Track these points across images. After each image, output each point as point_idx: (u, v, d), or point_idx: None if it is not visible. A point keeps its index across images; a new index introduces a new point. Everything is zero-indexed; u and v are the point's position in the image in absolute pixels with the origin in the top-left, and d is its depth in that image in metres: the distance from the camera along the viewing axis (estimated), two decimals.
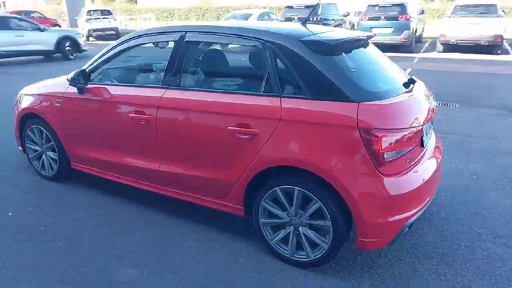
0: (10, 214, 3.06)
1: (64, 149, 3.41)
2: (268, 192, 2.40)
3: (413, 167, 2.32)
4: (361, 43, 2.69)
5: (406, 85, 2.54)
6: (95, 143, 3.21)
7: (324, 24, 13.67)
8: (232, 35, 2.61)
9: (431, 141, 2.73)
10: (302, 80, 2.31)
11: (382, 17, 12.87)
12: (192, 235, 2.77)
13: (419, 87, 2.75)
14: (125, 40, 3.06)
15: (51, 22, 25.14)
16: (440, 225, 2.87)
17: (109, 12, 20.83)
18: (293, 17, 14.08)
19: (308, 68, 2.31)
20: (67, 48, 12.74)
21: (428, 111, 2.50)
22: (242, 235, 2.73)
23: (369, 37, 2.85)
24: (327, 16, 14.00)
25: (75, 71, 3.08)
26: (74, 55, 12.97)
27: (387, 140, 2.10)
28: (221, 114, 2.49)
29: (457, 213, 3.02)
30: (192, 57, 2.75)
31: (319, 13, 13.84)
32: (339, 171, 2.16)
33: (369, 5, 13.37)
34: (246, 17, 15.26)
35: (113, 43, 3.17)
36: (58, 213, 3.08)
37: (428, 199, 2.41)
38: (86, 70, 3.12)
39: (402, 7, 12.69)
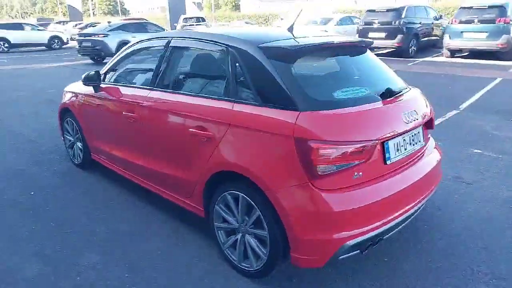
0: (32, 193, 3.55)
1: (86, 140, 3.85)
2: (220, 196, 2.40)
3: (365, 184, 2.10)
4: (340, 49, 2.53)
5: (386, 94, 2.33)
6: (103, 136, 3.58)
7: (408, 29, 12.76)
8: (205, 41, 2.67)
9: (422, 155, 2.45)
10: (255, 86, 2.27)
11: (476, 21, 11.52)
12: (172, 234, 2.89)
13: (409, 97, 2.49)
14: (130, 46, 3.35)
15: None
16: None
17: (203, 19, 22.37)
18: (373, 21, 13.43)
19: (261, 74, 2.26)
20: None
21: (407, 123, 2.25)
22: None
23: (362, 43, 2.66)
24: (411, 19, 12.98)
25: (89, 71, 3.46)
26: None
27: (323, 152, 1.94)
28: (185, 116, 2.58)
29: None
30: (171, 61, 2.88)
31: (402, 17, 12.93)
32: (272, 180, 2.07)
33: (461, 8, 12.10)
34: (325, 22, 15.00)
35: (124, 47, 3.48)
36: (68, 197, 3.46)
37: (391, 217, 2.15)
38: (101, 71, 3.49)
39: (501, 10, 11.20)
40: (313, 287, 2.29)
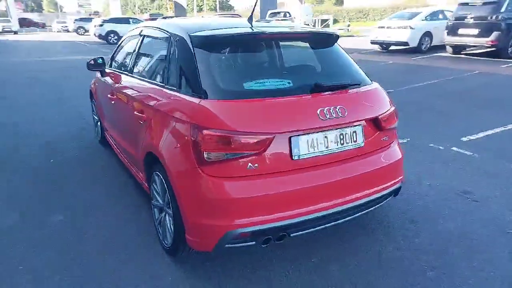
0: (52, 161, 4.15)
1: (100, 120, 4.34)
2: (151, 175, 2.57)
3: (262, 176, 2.04)
4: (280, 40, 2.48)
5: (314, 89, 2.23)
6: (105, 116, 4.03)
7: (508, 25, 11.12)
8: (158, 29, 2.86)
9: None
10: (180, 72, 2.36)
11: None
12: (131, 203, 3.17)
13: (348, 93, 2.34)
14: (126, 35, 3.72)
15: None
16: None
17: (289, 14, 22.48)
18: (466, 15, 11.99)
19: (186, 61, 2.33)
20: None
21: (323, 120, 2.13)
22: None
23: (312, 35, 2.56)
24: None
25: (96, 58, 3.88)
26: None
27: (211, 140, 1.96)
28: (133, 99, 2.83)
29: None
30: (138, 48, 3.13)
31: (501, 10, 11.31)
32: (172, 164, 2.16)
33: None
34: (412, 16, 13.86)
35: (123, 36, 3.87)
36: (75, 167, 3.97)
37: (294, 213, 2.07)
38: (105, 57, 3.93)
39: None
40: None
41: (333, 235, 2.73)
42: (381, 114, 2.41)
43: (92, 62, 3.79)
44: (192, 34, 2.37)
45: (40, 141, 4.77)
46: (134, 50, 3.17)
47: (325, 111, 2.15)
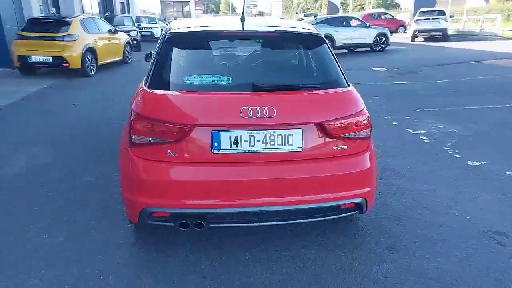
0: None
1: None
2: None
3: (180, 164, 2.25)
4: (246, 38, 2.57)
5: (255, 87, 2.32)
6: None
7: None
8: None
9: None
10: (150, 65, 2.68)
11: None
12: None
13: (292, 95, 2.34)
14: None
15: (398, 23, 27.14)
16: None
17: (443, 13, 20.10)
18: None
19: (154, 55, 2.64)
20: (381, 42, 15.92)
21: (244, 118, 2.20)
22: None
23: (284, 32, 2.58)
24: None
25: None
26: (383, 47, 16.03)
27: (137, 125, 2.28)
28: None
29: None
30: None
31: None
32: (120, 142, 2.56)
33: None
34: None
35: None
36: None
37: (210, 204, 2.24)
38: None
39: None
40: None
41: None
42: (330, 121, 2.28)
43: (147, 54, 4.49)
44: (170, 31, 2.67)
45: None
46: None
47: (249, 110, 2.19)
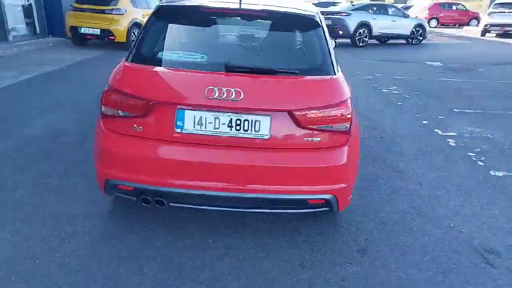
0: None
1: None
2: None
3: (143, 139, 2.25)
4: (232, 15, 2.51)
5: (228, 67, 2.26)
6: None
7: None
8: None
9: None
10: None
11: None
12: None
13: (261, 79, 2.27)
14: None
15: (470, 15, 25.03)
16: None
17: None
18: None
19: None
20: (417, 34, 14.65)
21: (209, 99, 2.14)
22: None
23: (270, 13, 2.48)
24: None
25: None
26: (420, 39, 14.87)
27: (107, 96, 2.32)
28: None
29: None
30: None
31: None
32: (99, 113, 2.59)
33: None
34: None
35: None
36: None
37: (170, 182, 2.23)
38: None
39: None
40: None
41: None
42: (300, 110, 2.15)
43: None
44: (160, 4, 2.65)
45: None
46: None
47: (215, 90, 2.13)
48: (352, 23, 13.23)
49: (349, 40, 13.82)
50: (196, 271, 2.23)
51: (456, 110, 5.94)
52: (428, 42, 15.57)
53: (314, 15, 2.52)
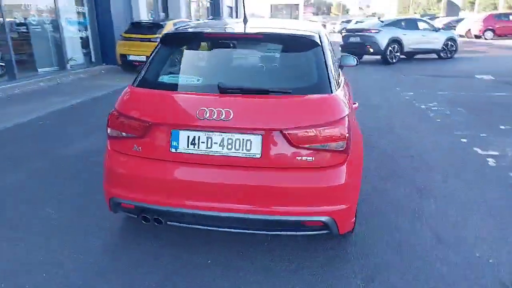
0: None
1: None
2: None
3: (143, 159, 2.33)
4: (231, 40, 2.56)
5: (220, 89, 2.30)
6: None
7: None
8: None
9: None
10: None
11: None
12: None
13: (253, 99, 2.28)
14: None
15: None
16: None
17: None
18: None
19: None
20: (449, 48, 14.01)
21: (201, 119, 2.19)
22: None
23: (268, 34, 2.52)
24: None
25: None
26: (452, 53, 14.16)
27: (111, 118, 2.44)
28: None
29: None
30: None
31: None
32: None
33: None
34: None
35: None
36: None
37: (168, 202, 2.28)
38: None
39: None
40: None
41: None
42: (291, 129, 2.12)
43: None
44: (169, 32, 2.78)
45: None
46: None
47: (206, 111, 2.17)
48: (383, 40, 12.85)
49: (379, 57, 13.47)
50: None
51: (502, 127, 5.48)
52: (481, 55, 14.65)
53: (311, 35, 2.51)
